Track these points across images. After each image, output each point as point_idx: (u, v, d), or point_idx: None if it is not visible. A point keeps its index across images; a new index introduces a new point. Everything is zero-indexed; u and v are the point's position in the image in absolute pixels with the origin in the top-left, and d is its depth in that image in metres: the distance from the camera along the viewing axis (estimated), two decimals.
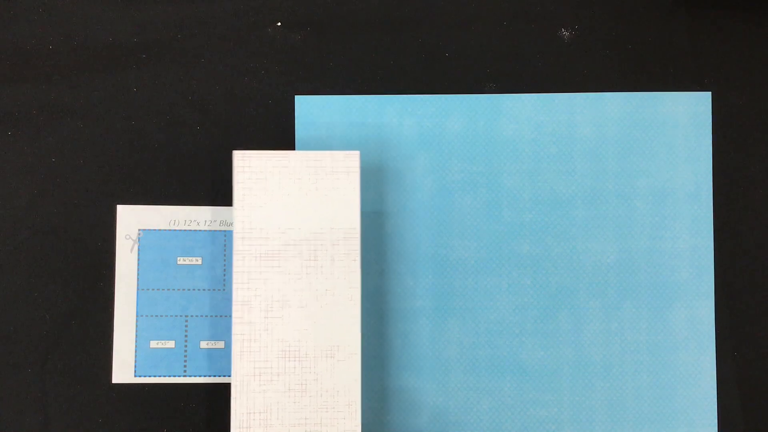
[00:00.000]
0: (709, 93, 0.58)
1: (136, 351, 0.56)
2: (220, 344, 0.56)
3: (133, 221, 0.57)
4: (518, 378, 0.57)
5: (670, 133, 0.58)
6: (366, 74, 0.58)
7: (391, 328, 0.57)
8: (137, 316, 0.56)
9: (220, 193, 0.57)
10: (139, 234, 0.57)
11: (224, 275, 0.57)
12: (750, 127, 0.58)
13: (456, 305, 0.57)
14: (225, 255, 0.57)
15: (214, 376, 0.56)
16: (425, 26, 0.58)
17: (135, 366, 0.56)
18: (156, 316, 0.56)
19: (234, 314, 0.53)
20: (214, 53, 0.58)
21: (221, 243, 0.57)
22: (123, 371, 0.56)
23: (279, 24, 0.58)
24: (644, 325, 0.57)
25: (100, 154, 0.57)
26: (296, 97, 0.57)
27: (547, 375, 0.57)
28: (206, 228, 0.57)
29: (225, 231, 0.57)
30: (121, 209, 0.57)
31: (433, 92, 0.58)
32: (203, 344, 0.56)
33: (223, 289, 0.57)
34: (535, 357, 0.57)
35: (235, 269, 0.53)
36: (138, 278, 0.56)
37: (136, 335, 0.56)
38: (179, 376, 0.56)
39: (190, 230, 0.57)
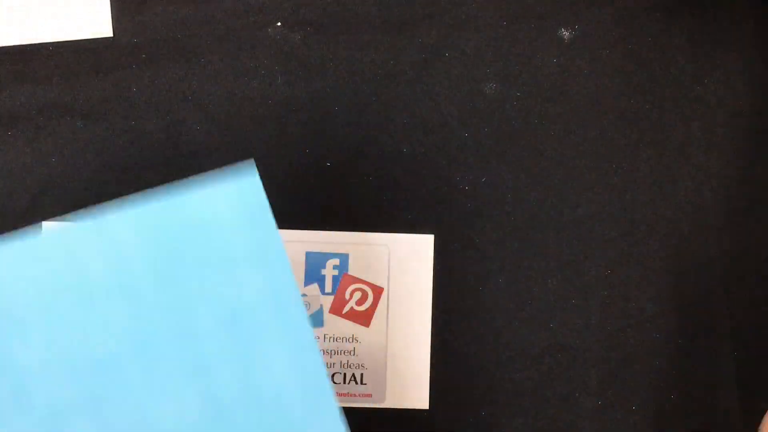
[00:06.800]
0: None
1: None
2: None
3: None
4: None
5: None
6: (366, 74, 0.58)
7: None
8: None
9: None
10: None
11: None
12: (751, 127, 0.58)
13: None
14: None
15: None
16: (425, 26, 0.58)
17: None
18: None
19: None
20: (214, 53, 0.58)
21: None
22: None
23: (279, 24, 0.58)
24: None
25: (100, 154, 0.57)
26: None
27: None
28: None
29: None
30: None
31: (433, 92, 0.58)
32: None
33: None
34: None
35: None
36: None
37: None
38: None
39: None
